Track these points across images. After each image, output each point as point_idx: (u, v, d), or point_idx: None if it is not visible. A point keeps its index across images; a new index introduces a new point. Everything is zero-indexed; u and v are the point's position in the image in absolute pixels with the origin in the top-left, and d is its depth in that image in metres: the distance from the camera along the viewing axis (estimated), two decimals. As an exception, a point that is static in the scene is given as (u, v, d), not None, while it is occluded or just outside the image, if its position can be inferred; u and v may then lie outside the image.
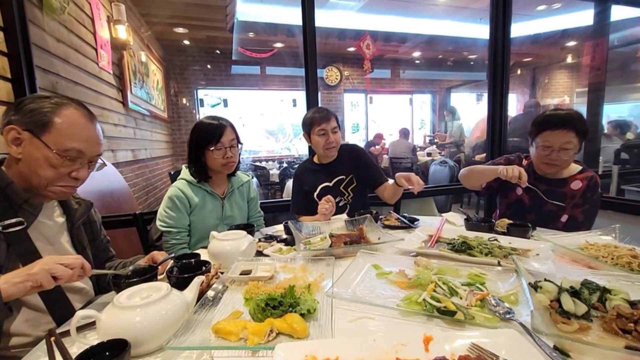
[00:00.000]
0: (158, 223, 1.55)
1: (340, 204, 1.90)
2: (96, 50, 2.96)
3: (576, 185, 1.60)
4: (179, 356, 0.74)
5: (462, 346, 0.63)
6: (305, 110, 2.75)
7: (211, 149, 1.53)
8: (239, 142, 1.62)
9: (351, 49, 6.81)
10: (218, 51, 6.68)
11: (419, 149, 7.26)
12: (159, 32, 5.41)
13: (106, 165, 1.15)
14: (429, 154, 6.74)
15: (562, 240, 1.29)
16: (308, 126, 1.90)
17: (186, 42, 6.20)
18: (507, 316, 0.74)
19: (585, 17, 4.88)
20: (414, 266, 1.06)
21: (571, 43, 6.92)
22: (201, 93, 6.72)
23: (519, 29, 5.98)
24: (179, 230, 1.54)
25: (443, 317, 0.76)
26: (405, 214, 1.78)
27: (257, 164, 5.78)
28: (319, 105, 2.80)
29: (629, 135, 4.26)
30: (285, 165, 5.60)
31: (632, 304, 0.74)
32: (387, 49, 6.86)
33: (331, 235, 1.30)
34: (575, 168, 1.64)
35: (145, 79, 4.47)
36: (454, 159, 5.12)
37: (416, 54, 7.56)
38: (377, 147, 6.78)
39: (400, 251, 1.22)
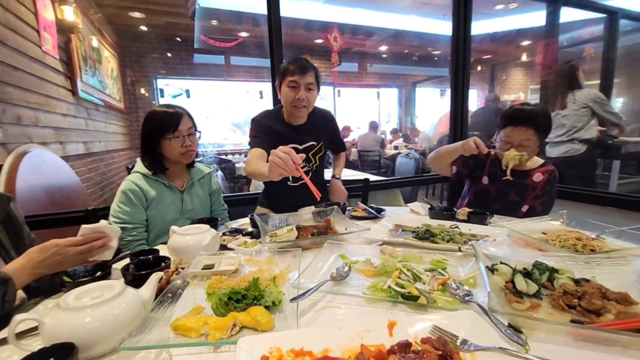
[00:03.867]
0: (111, 219, 1.45)
1: (305, 169, 1.79)
2: (38, 32, 2.69)
3: (537, 177, 1.68)
4: (135, 357, 0.70)
5: (424, 329, 0.64)
6: (272, 103, 2.69)
7: (168, 137, 1.46)
8: (196, 130, 1.56)
9: (318, 41, 6.76)
10: (179, 39, 6.35)
11: (388, 142, 7.43)
12: (111, 16, 5.03)
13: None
14: (395, 147, 6.92)
15: (517, 226, 1.37)
16: (281, 75, 1.65)
17: (143, 27, 5.83)
18: (467, 298, 0.77)
19: (538, 18, 5.19)
20: (379, 255, 1.08)
21: (526, 42, 7.36)
22: (161, 83, 6.37)
23: (480, 26, 6.26)
24: (135, 225, 1.45)
25: (407, 302, 0.78)
26: (373, 205, 1.80)
27: (222, 157, 5.59)
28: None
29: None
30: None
31: (576, 282, 0.80)
32: (355, 42, 6.90)
33: (298, 227, 1.29)
34: (537, 161, 1.73)
35: (98, 65, 4.15)
36: (419, 152, 5.30)
37: (383, 47, 7.67)
38: (345, 139, 6.84)
39: (367, 241, 1.23)
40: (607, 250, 1.06)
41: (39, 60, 2.68)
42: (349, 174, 3.36)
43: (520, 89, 8.59)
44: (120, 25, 5.53)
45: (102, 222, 1.00)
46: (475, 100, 8.35)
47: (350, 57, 7.95)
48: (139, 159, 1.57)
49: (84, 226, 0.98)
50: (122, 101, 5.42)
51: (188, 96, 6.29)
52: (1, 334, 0.77)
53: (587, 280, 0.80)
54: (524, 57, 7.91)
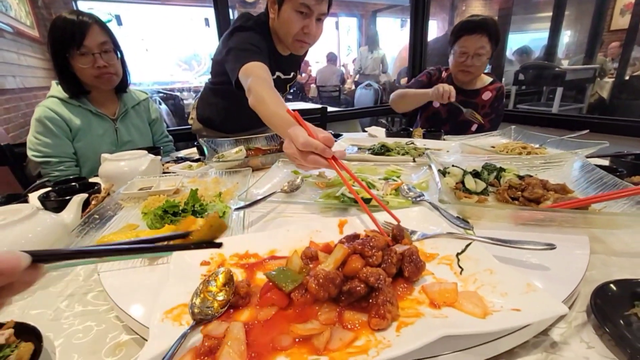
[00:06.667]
0: (30, 153, 1.26)
1: None
2: None
3: (486, 95, 1.74)
4: (59, 281, 0.62)
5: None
6: (217, 33, 2.32)
7: (74, 55, 1.20)
8: (117, 48, 1.29)
9: (269, -41, 5.94)
10: (99, -51, 5.23)
11: (348, 76, 7.17)
12: None
13: None
14: (357, 83, 6.73)
15: (468, 141, 1.40)
16: None
17: None
18: (418, 199, 0.77)
19: (500, -63, 4.92)
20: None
21: (486, -33, 7.06)
22: (83, 6, 5.34)
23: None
24: (61, 159, 1.27)
25: (360, 207, 0.76)
26: (331, 131, 1.74)
27: (168, 92, 5.01)
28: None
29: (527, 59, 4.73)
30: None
31: (521, 177, 0.82)
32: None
33: (248, 149, 1.20)
34: (486, 80, 1.77)
35: (-8, -22, 3.34)
36: (379, 83, 5.20)
37: (341, -31, 6.98)
38: (303, 74, 6.49)
39: (341, 155, 1.17)
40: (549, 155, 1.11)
41: None
42: (307, 106, 3.22)
43: (478, 21, 8.48)
44: None
45: None
46: (435, 32, 8.16)
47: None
48: (54, 82, 1.33)
49: None
50: (35, 28, 4.52)
51: (119, 23, 5.37)
52: None
53: (530, 176, 0.82)
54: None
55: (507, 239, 0.53)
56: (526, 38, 7.45)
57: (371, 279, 0.41)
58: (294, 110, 0.76)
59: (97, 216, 0.72)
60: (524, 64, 3.92)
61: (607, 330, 0.42)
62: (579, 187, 0.78)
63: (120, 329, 0.50)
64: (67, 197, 0.82)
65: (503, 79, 3.77)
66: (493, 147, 1.32)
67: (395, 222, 0.60)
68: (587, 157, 1.14)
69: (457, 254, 0.51)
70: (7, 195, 0.87)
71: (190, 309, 0.42)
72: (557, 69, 3.33)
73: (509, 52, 5.20)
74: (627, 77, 4.42)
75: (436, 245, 0.56)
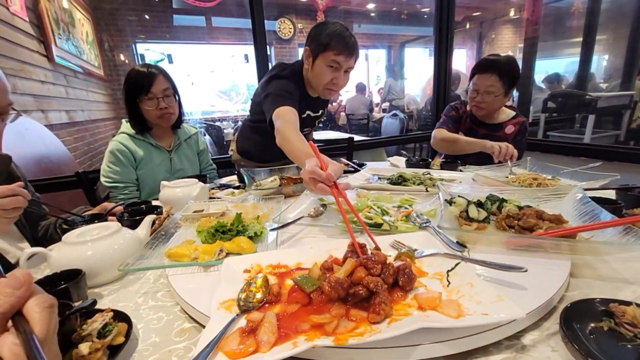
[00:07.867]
0: (103, 179, 1.52)
1: (306, 133, 1.81)
2: (4, -8, 2.56)
3: (509, 129, 1.81)
4: (136, 283, 0.81)
5: (385, 243, 0.75)
6: (256, 67, 2.65)
7: (143, 99, 1.48)
8: (175, 92, 1.56)
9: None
10: (156, -1, 6.02)
11: (375, 105, 7.40)
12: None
13: (21, 115, 1.07)
14: (384, 110, 6.93)
15: (484, 172, 1.48)
16: (320, 46, 1.41)
17: (116, -14, 5.49)
18: (424, 225, 0.89)
19: (526, -30, 5.05)
20: (356, 197, 1.18)
21: (514, -3, 7.17)
22: (141, 48, 6.10)
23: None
24: (126, 184, 1.52)
25: (374, 230, 0.89)
26: (355, 160, 1.90)
27: (210, 123, 5.51)
28: (272, 61, 2.70)
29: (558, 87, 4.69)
30: (240, 124, 5.45)
31: (520, 208, 0.92)
32: None
33: (282, 178, 1.38)
34: (509, 114, 1.86)
35: (71, 29, 3.97)
36: (405, 112, 5.35)
37: (370, 5, 7.40)
38: (333, 104, 6.79)
39: (345, 187, 1.33)
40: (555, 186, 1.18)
41: (7, 23, 2.57)
42: (335, 135, 3.42)
43: (509, 48, 8.47)
44: (91, -16, 5.20)
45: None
46: (464, 59, 8.25)
47: (337, 16, 7.65)
48: (124, 120, 1.61)
49: None
50: (101, 68, 5.23)
51: (170, 62, 6.07)
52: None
53: (529, 207, 0.91)
54: (512, 13, 7.74)
55: (494, 261, 0.64)
56: (560, 63, 7.31)
57: (371, 285, 0.54)
58: (316, 143, 0.95)
59: (163, 233, 0.91)
60: (553, 92, 3.90)
61: (570, 339, 0.50)
62: (576, 217, 0.86)
63: (183, 319, 0.66)
64: (137, 217, 1.03)
65: (531, 107, 3.77)
66: (507, 177, 1.41)
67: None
68: (600, 188, 1.20)
69: (448, 271, 0.63)
70: (92, 215, 1.10)
71: (237, 302, 0.58)
72: (587, 96, 3.30)
73: (538, 79, 5.17)
74: (671, 102, 4.23)
75: (432, 264, 0.68)
